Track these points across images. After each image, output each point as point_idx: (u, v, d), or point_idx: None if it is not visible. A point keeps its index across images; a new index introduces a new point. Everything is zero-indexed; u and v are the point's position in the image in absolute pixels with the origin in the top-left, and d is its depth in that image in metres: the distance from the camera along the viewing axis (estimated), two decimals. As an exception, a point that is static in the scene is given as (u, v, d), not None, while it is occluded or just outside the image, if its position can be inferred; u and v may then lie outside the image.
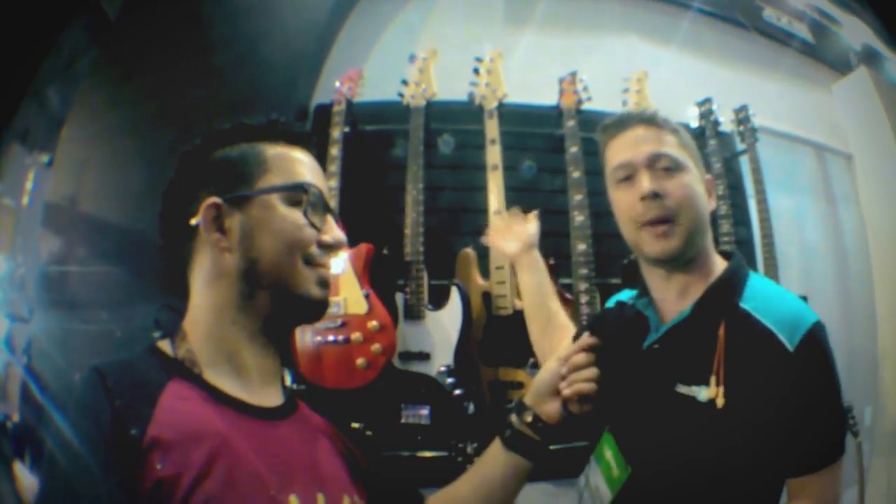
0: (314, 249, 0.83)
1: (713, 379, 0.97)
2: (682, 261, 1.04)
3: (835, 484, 0.99)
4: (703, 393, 0.98)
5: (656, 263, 1.05)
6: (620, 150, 1.06)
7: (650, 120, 1.07)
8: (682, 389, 1.00)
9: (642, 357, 1.06)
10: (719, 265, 1.07)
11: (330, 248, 0.85)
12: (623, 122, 1.08)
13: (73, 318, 1.69)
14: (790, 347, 0.96)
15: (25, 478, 1.33)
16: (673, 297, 1.06)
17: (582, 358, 1.00)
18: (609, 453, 1.08)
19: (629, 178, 1.05)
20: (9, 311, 1.61)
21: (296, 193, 0.83)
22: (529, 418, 1.00)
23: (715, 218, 1.88)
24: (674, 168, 1.03)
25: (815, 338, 0.97)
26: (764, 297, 1.02)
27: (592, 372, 1.00)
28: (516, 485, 1.00)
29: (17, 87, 1.45)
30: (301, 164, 0.86)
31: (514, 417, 1.01)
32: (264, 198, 0.82)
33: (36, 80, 1.53)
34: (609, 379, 1.00)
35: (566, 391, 0.99)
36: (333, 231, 0.86)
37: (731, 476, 0.97)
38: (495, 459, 1.00)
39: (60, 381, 1.35)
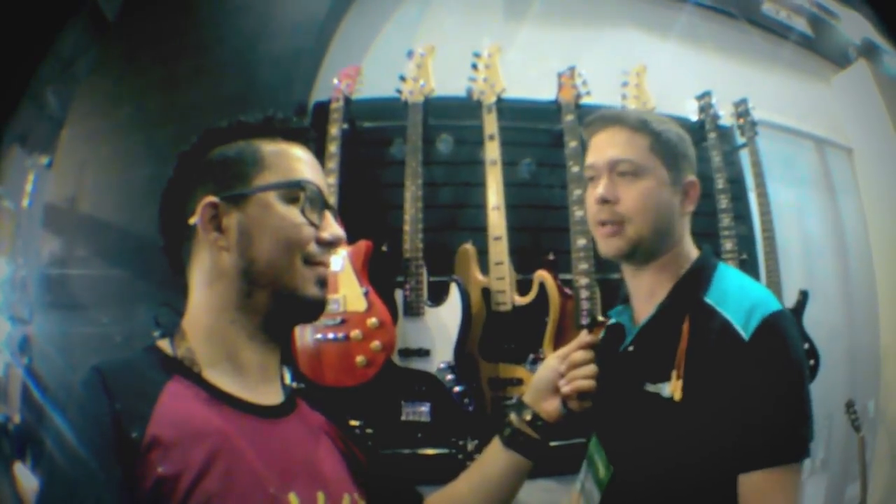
0: (313, 248, 0.83)
1: (674, 373, 0.98)
2: (635, 261, 1.07)
3: (786, 488, 0.93)
4: (666, 389, 0.99)
5: (613, 260, 1.09)
6: (591, 151, 1.10)
7: (623, 121, 1.09)
8: (650, 387, 1.01)
9: (617, 361, 1.08)
10: (691, 261, 1.08)
11: (329, 244, 0.85)
12: (599, 122, 1.11)
13: (73, 319, 1.69)
14: (745, 336, 0.95)
15: (26, 479, 1.33)
16: (643, 298, 1.08)
17: (581, 355, 1.02)
18: (596, 455, 1.10)
19: (593, 178, 1.09)
20: (10, 314, 1.61)
21: (293, 191, 0.83)
22: (528, 417, 1.01)
23: (715, 213, 1.90)
24: (633, 173, 1.05)
25: (773, 326, 0.95)
26: (726, 289, 1.02)
27: (591, 369, 1.01)
28: (516, 483, 1.01)
29: (16, 88, 1.45)
30: (298, 161, 0.85)
31: (513, 416, 1.02)
32: (261, 196, 0.82)
33: (35, 82, 1.52)
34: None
35: (565, 388, 1.00)
36: (332, 227, 0.86)
37: (702, 473, 0.96)
38: (495, 458, 1.01)
39: (61, 382, 1.35)
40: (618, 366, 1.07)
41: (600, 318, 1.09)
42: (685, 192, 1.09)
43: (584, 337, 1.04)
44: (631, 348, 1.07)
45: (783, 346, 0.96)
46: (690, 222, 1.11)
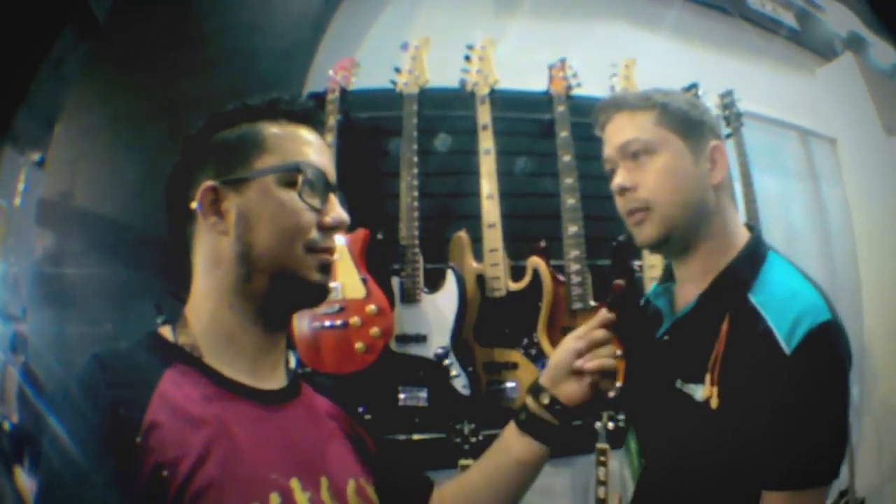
0: (314, 234, 0.80)
1: (708, 378, 0.92)
2: (676, 247, 1.00)
3: None
4: (698, 392, 0.93)
5: (650, 251, 1.04)
6: (604, 145, 1.05)
7: (623, 104, 1.03)
8: (681, 386, 0.96)
9: (652, 348, 1.04)
10: (740, 245, 0.99)
11: (331, 229, 0.82)
12: (601, 113, 1.05)
13: (67, 317, 1.69)
14: (787, 350, 0.87)
15: (25, 480, 1.33)
16: (686, 284, 1.01)
17: (602, 334, 0.96)
18: (633, 445, 1.10)
19: (612, 172, 1.03)
20: (4, 313, 1.61)
21: (291, 174, 0.80)
22: (546, 400, 0.94)
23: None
24: (643, 152, 0.99)
25: (819, 341, 0.87)
26: (773, 288, 0.93)
27: (612, 349, 0.94)
28: (531, 472, 0.94)
29: (11, 92, 1.44)
30: (301, 143, 0.82)
31: (529, 399, 0.96)
32: (261, 180, 0.79)
33: (29, 86, 1.52)
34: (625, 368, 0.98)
35: (588, 365, 0.93)
36: (334, 211, 0.82)
37: (729, 482, 0.91)
38: (509, 445, 0.95)
39: (55, 380, 1.35)
40: (652, 355, 1.02)
41: (618, 281, 1.02)
42: (711, 158, 1.00)
43: (604, 315, 0.96)
44: (666, 338, 1.01)
45: (826, 364, 0.88)
46: (728, 195, 1.02)
